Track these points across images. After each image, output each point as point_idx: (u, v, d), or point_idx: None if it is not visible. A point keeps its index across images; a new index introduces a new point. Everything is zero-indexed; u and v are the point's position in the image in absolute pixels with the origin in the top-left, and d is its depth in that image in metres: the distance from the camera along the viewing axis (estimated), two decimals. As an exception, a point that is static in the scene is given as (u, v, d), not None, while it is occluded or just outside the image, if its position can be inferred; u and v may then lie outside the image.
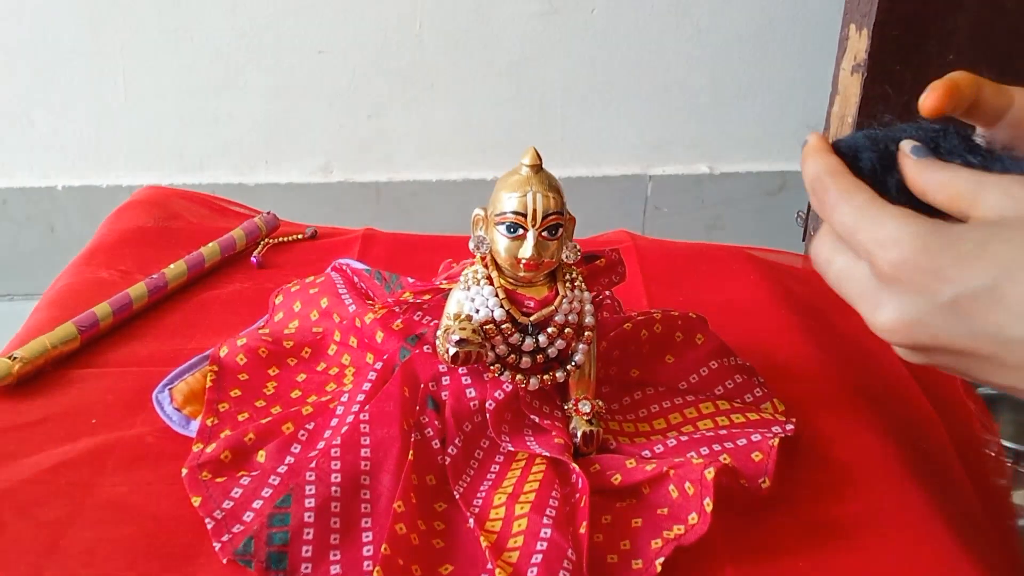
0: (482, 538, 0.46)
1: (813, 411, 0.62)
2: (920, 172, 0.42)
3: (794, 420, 0.58)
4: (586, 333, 0.53)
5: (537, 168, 0.50)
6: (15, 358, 0.59)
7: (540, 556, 0.44)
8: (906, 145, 0.43)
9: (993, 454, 0.71)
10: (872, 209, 0.40)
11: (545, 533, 0.45)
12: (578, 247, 0.51)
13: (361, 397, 0.53)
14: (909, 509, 0.55)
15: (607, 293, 0.63)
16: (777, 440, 0.54)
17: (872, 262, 0.40)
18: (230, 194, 1.29)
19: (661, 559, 0.46)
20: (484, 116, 1.33)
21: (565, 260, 0.51)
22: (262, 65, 1.25)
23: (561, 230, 0.50)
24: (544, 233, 0.49)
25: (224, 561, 0.46)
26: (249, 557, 0.45)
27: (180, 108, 1.25)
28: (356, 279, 0.65)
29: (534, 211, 0.49)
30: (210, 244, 0.77)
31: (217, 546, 0.46)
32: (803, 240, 1.12)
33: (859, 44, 0.97)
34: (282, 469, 0.51)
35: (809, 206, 1.10)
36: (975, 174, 0.41)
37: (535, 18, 1.28)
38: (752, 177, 1.41)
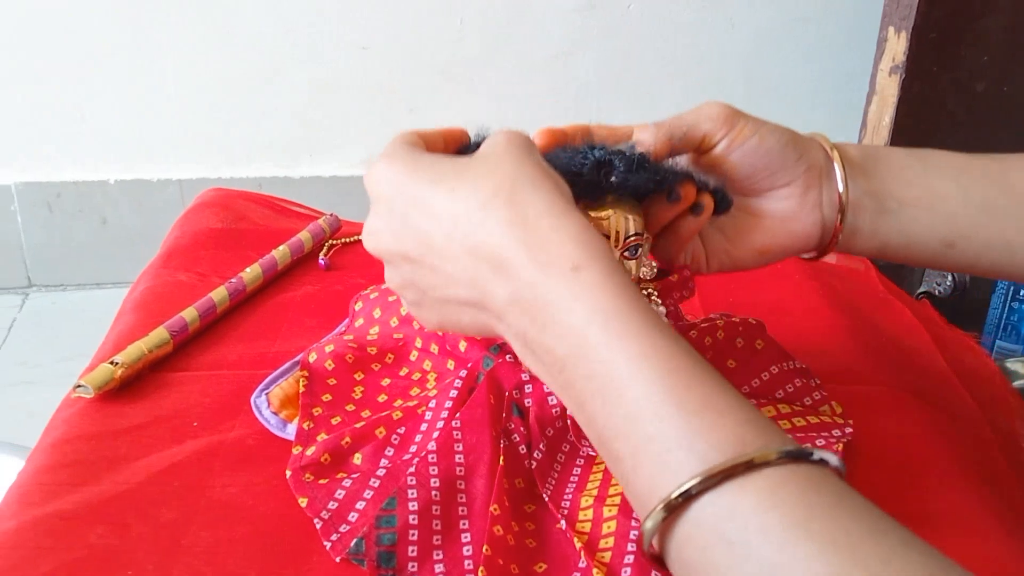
0: (575, 539, 0.50)
1: (865, 412, 0.65)
2: None
3: (852, 422, 0.62)
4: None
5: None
6: (116, 363, 0.63)
7: (632, 557, 0.48)
8: None
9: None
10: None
11: (634, 535, 0.49)
12: (654, 265, 0.54)
13: (449, 404, 0.57)
14: (962, 507, 0.58)
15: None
16: (841, 445, 0.57)
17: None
18: (275, 186, 1.33)
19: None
20: (521, 110, 1.35)
21: (643, 277, 0.55)
22: (306, 60, 1.28)
23: (640, 250, 0.53)
24: (625, 253, 0.52)
25: (337, 560, 0.50)
26: (361, 556, 0.49)
27: (226, 102, 1.28)
28: (433, 287, 0.69)
29: (616, 233, 0.52)
30: (281, 247, 0.80)
31: (328, 545, 0.50)
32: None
33: (897, 46, 1.00)
34: (380, 472, 0.54)
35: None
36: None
37: (572, 13, 1.30)
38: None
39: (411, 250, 0.46)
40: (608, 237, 0.52)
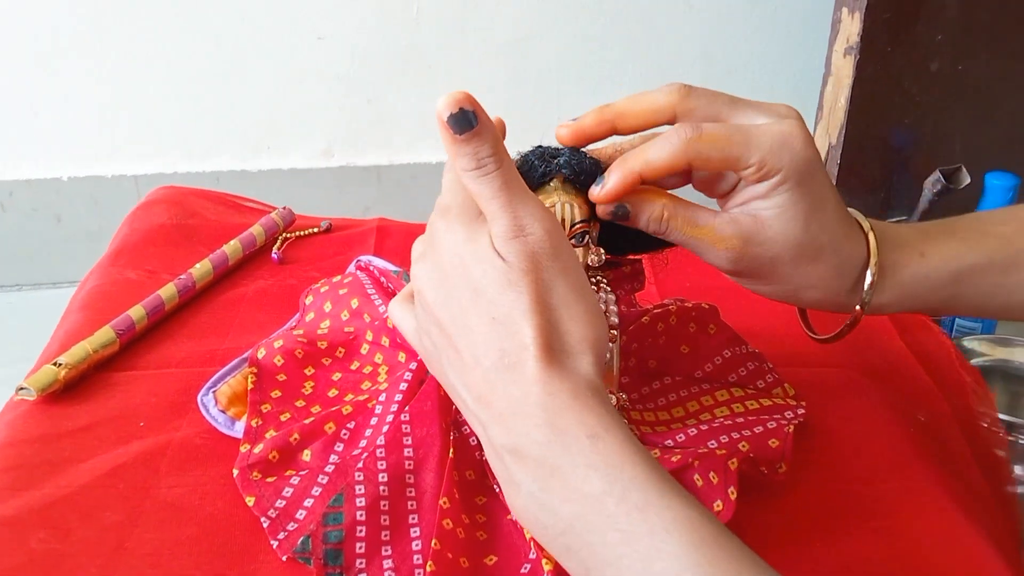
0: (525, 530, 0.49)
1: (820, 393, 0.65)
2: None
3: (804, 404, 0.62)
4: (612, 332, 0.56)
5: (563, 177, 0.52)
6: (60, 364, 0.62)
7: None
8: None
9: (986, 425, 0.75)
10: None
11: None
12: (603, 252, 0.54)
13: (399, 397, 0.56)
14: (917, 485, 0.58)
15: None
16: (792, 427, 0.57)
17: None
18: (233, 180, 1.31)
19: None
20: (482, 96, 1.33)
21: (591, 264, 0.54)
22: (262, 52, 1.26)
23: (587, 237, 0.53)
24: (572, 241, 0.52)
25: (283, 559, 0.49)
26: (308, 555, 0.48)
27: (182, 96, 1.27)
28: (383, 279, 0.68)
29: (562, 220, 0.51)
30: (232, 242, 0.79)
31: (275, 544, 0.50)
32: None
33: (851, 27, 1.00)
34: (329, 468, 0.54)
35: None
36: None
37: (530, -1, 1.29)
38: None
39: (446, 323, 0.44)
40: (553, 224, 0.51)
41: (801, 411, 0.60)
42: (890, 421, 0.64)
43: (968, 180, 0.99)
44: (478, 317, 0.43)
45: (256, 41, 1.25)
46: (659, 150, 0.50)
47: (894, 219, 1.10)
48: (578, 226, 0.52)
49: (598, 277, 0.55)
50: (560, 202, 0.51)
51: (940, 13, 1.02)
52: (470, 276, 0.44)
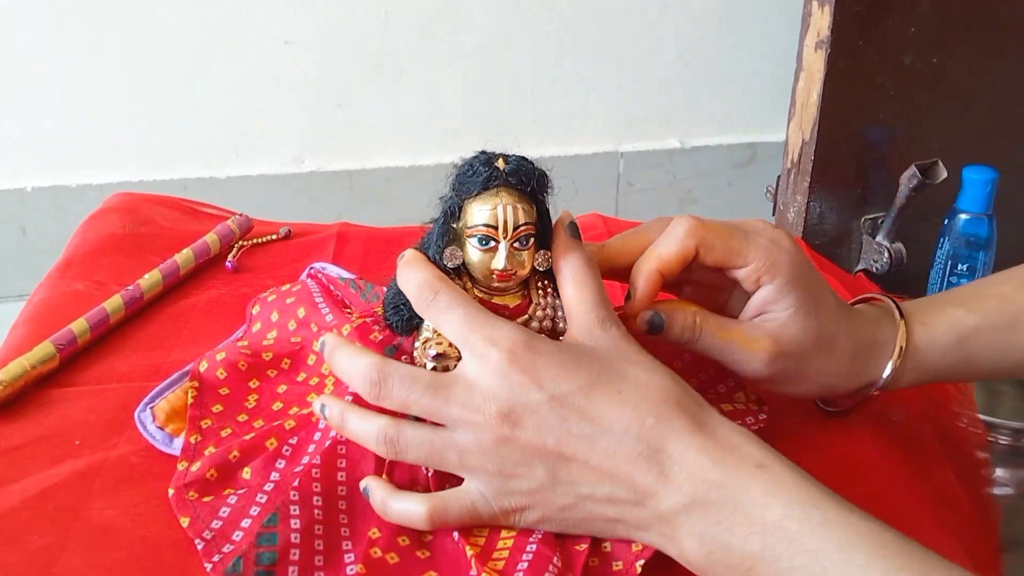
0: (467, 548, 0.47)
1: (781, 396, 0.63)
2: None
3: (767, 408, 0.60)
4: (560, 338, 0.53)
5: (505, 180, 0.50)
6: (-5, 382, 0.60)
7: (526, 563, 0.45)
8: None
9: (964, 424, 0.73)
10: (482, 314, 0.48)
11: (531, 548, 0.46)
12: (549, 255, 0.52)
13: (343, 410, 0.54)
14: (889, 491, 0.56)
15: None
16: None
17: (485, 356, 0.46)
18: (202, 188, 1.29)
19: (641, 561, 0.47)
20: (454, 100, 1.32)
21: (538, 267, 0.52)
22: (228, 57, 1.24)
23: (532, 240, 0.51)
24: (515, 244, 0.50)
25: (216, 581, 0.47)
26: None
27: (147, 104, 1.24)
28: (332, 287, 0.66)
29: (505, 223, 0.49)
30: (184, 251, 0.77)
31: (208, 567, 0.47)
32: (772, 214, 1.13)
33: (822, 20, 0.98)
34: (268, 487, 0.51)
35: (778, 181, 1.11)
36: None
37: (501, 0, 1.27)
38: (723, 149, 1.41)
39: (565, 448, 0.45)
40: (496, 228, 0.49)
41: (763, 416, 0.58)
42: (859, 421, 0.62)
43: (945, 174, 0.97)
44: (606, 403, 0.45)
45: (222, 46, 1.23)
46: (668, 243, 0.53)
47: (871, 215, 1.08)
48: (522, 228, 0.50)
49: (544, 283, 0.53)
50: (503, 204, 0.49)
51: (913, 6, 1.00)
52: (580, 374, 0.46)
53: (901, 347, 0.56)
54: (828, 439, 0.60)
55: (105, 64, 1.21)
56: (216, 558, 0.48)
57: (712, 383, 0.61)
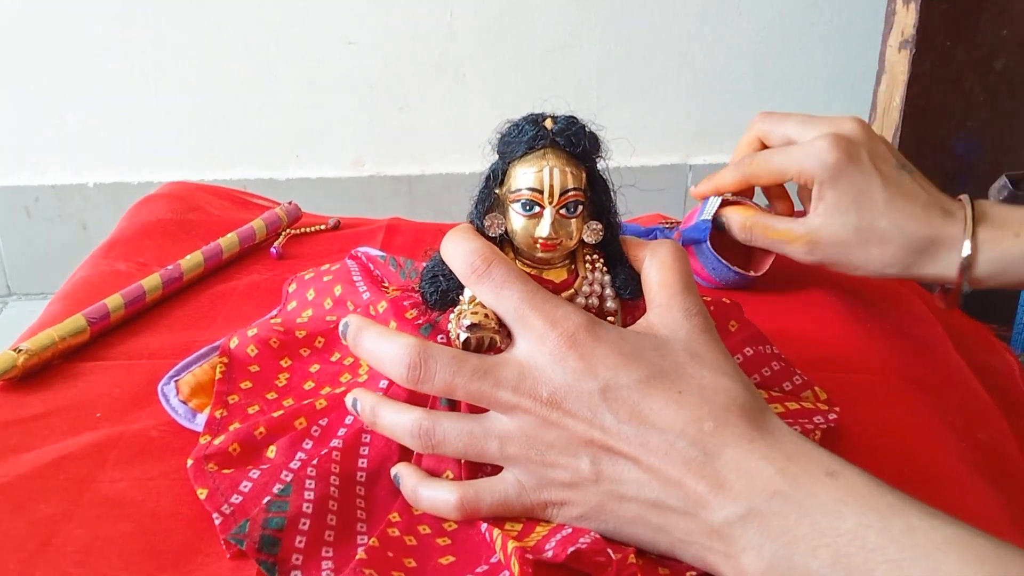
0: (495, 530, 0.43)
1: (862, 401, 0.58)
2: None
3: (838, 409, 0.54)
4: (608, 318, 0.49)
5: (552, 141, 0.46)
6: (21, 350, 0.57)
7: (561, 536, 0.41)
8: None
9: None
10: (541, 291, 0.45)
11: (566, 531, 0.42)
12: (600, 226, 0.48)
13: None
14: (966, 504, 0.51)
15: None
16: (819, 432, 0.50)
17: (544, 337, 0.43)
18: (261, 189, 1.28)
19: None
20: (517, 107, 1.28)
21: (586, 240, 0.48)
22: (291, 58, 1.23)
23: (581, 208, 0.47)
24: (562, 211, 0.46)
25: (228, 556, 0.43)
26: (242, 537, 0.42)
27: (210, 103, 1.24)
28: (371, 266, 0.63)
29: (551, 187, 0.45)
30: (229, 235, 0.75)
31: (224, 543, 0.44)
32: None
33: (906, 19, 0.92)
34: (294, 465, 0.48)
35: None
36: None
37: (569, 3, 1.24)
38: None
39: (613, 442, 0.42)
40: (541, 192, 0.45)
41: (833, 416, 0.53)
42: (940, 433, 0.56)
43: (1038, 187, 0.91)
44: (662, 402, 0.42)
45: (285, 47, 1.22)
46: (723, 175, 0.69)
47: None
48: (570, 193, 0.46)
49: (594, 256, 0.49)
50: (549, 166, 0.46)
51: (1006, 5, 0.94)
52: (635, 370, 0.43)
53: (970, 244, 0.61)
54: (909, 446, 0.55)
55: (169, 64, 1.21)
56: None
57: (777, 379, 0.56)
